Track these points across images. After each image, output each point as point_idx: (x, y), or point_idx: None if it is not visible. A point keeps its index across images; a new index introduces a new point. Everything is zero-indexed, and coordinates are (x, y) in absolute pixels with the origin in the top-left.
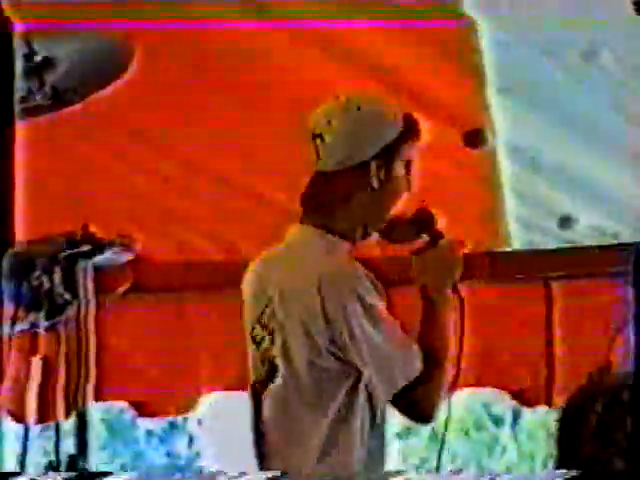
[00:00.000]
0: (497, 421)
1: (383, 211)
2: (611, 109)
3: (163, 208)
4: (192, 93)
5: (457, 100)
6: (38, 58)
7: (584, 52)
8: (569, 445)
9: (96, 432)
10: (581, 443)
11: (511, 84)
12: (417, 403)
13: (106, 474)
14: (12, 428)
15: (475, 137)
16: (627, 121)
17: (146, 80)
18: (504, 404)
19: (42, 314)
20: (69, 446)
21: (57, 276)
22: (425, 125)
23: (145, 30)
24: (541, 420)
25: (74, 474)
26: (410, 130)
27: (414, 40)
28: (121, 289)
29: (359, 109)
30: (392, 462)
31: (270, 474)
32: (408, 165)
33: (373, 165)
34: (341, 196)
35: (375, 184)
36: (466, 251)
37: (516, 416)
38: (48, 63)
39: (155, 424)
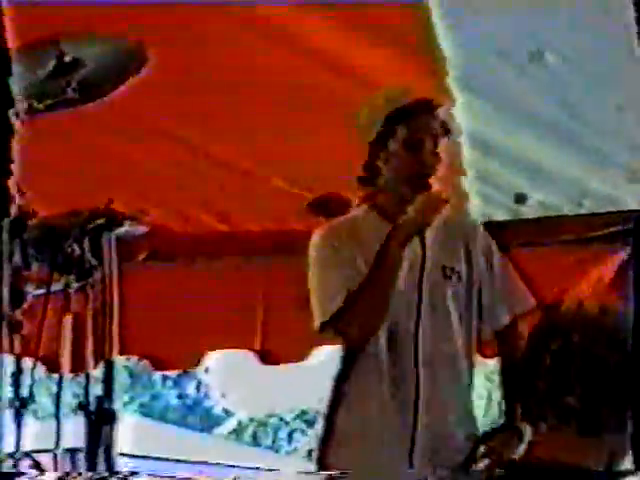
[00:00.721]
0: None
1: (397, 187)
2: (556, 103)
3: (175, 188)
4: (198, 86)
5: (421, 95)
6: (67, 58)
7: (531, 53)
8: (527, 382)
9: (120, 378)
10: (537, 380)
11: (470, 82)
12: (343, 329)
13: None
14: (46, 376)
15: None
16: (570, 113)
17: (159, 76)
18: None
19: (73, 277)
20: (97, 390)
21: (86, 245)
22: None
23: (158, 31)
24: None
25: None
26: (401, 112)
27: (380, 40)
28: (140, 257)
29: (372, 97)
30: None
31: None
32: (408, 143)
33: (371, 144)
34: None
35: (376, 161)
36: None
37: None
38: (77, 63)
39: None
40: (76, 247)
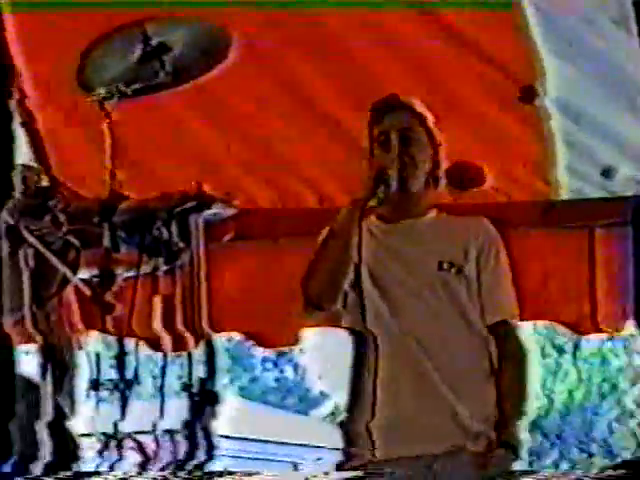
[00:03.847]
0: (559, 349)
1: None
2: None
3: (268, 161)
4: (285, 70)
5: (513, 59)
6: (154, 42)
7: (615, 20)
8: None
9: (221, 359)
10: None
11: (557, 48)
12: (304, 292)
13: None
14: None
15: (529, 92)
16: None
17: (246, 61)
18: (562, 334)
19: (161, 259)
20: (200, 371)
21: (173, 227)
22: (486, 83)
23: (241, 18)
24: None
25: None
26: (376, 111)
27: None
28: (226, 238)
29: None
30: None
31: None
32: (378, 140)
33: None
34: None
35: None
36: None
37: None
38: (164, 47)
39: (267, 352)
40: (164, 230)
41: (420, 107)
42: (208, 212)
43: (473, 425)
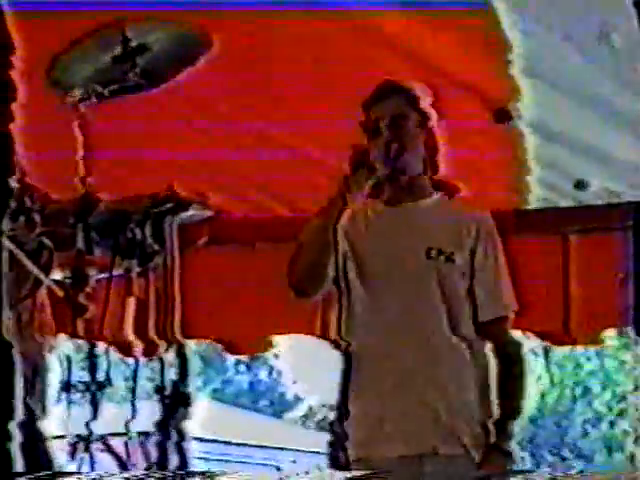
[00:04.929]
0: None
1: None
2: (621, 87)
3: (236, 173)
4: (262, 72)
5: (486, 82)
6: (133, 44)
7: (597, 35)
8: None
9: (193, 362)
10: None
11: (532, 66)
12: (289, 279)
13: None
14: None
15: (503, 114)
16: (634, 96)
17: (222, 61)
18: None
19: (135, 261)
20: (172, 374)
21: (147, 230)
22: (459, 104)
23: (221, 22)
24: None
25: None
26: (369, 99)
27: (447, 29)
28: (201, 241)
29: None
30: None
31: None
32: (367, 128)
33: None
34: None
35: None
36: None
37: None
38: (142, 48)
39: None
40: (138, 232)
41: (417, 90)
42: (183, 214)
43: (453, 427)
